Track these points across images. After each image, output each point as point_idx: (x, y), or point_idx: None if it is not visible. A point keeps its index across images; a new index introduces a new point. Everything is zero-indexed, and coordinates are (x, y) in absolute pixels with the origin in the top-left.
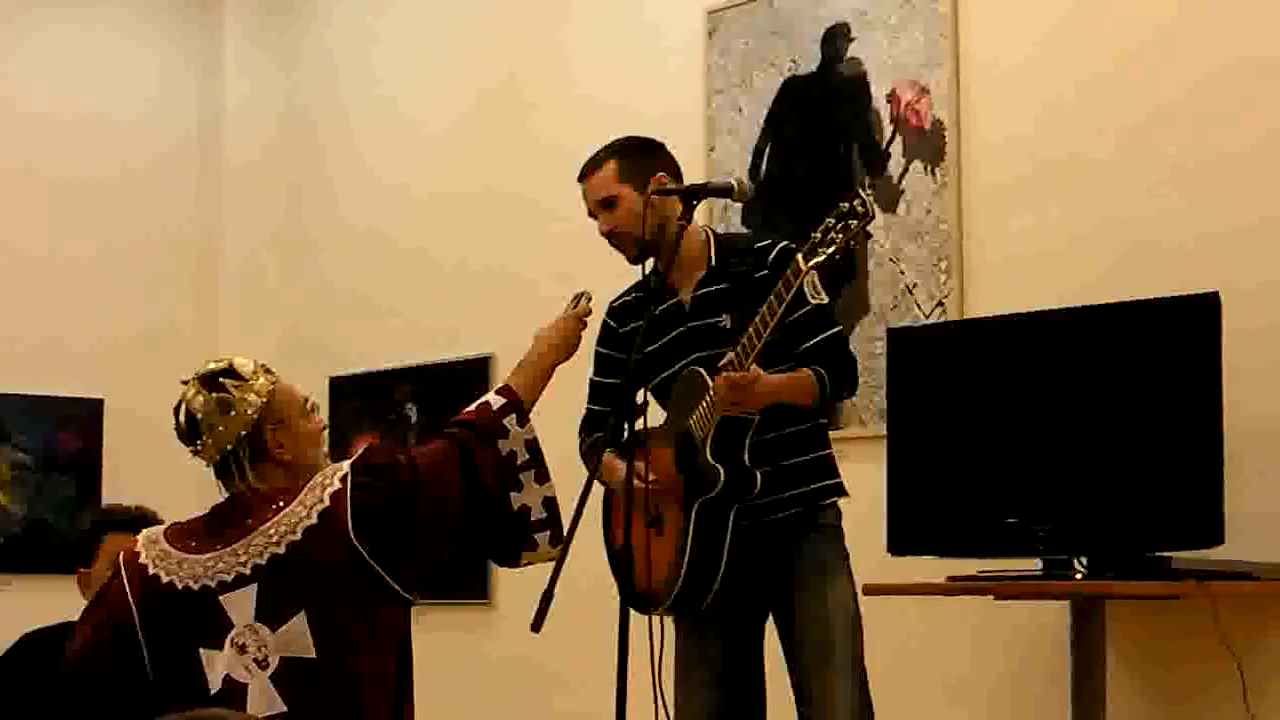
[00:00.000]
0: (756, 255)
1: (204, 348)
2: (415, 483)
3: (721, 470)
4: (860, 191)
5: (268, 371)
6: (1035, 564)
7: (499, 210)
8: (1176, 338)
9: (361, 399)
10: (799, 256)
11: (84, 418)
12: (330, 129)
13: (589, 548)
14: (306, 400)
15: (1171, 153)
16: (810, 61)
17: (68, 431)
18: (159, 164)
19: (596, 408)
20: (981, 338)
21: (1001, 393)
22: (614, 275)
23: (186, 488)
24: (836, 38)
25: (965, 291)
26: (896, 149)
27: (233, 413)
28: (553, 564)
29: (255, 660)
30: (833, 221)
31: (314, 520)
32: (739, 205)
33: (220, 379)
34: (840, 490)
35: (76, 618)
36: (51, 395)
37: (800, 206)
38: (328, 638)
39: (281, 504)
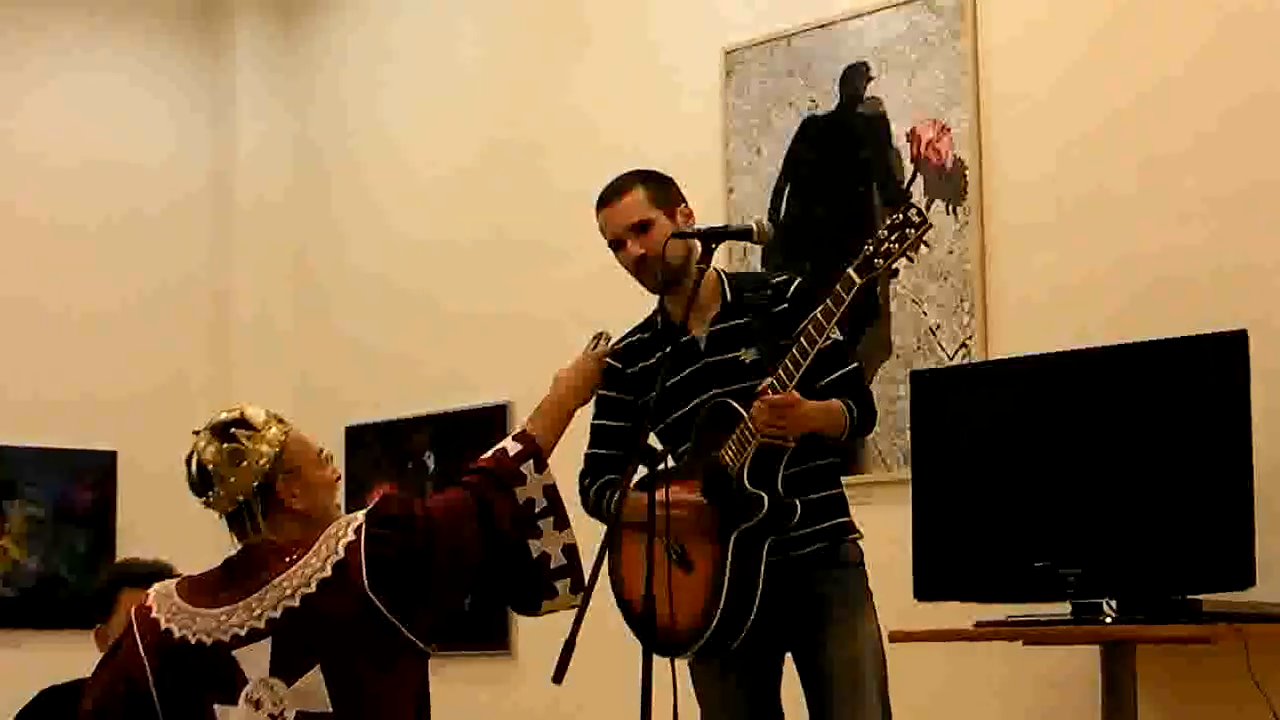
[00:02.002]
0: (774, 289)
1: (217, 399)
2: (431, 533)
3: (766, 498)
4: (914, 202)
5: (280, 421)
6: (1064, 608)
7: (512, 255)
8: (1204, 376)
9: (378, 448)
10: (850, 270)
11: (97, 469)
12: (340, 176)
13: (611, 595)
14: (321, 450)
15: (1196, 187)
16: (829, 101)
17: (81, 484)
18: (171, 212)
19: (601, 452)
20: (1006, 379)
21: (1027, 434)
22: (630, 317)
23: (202, 540)
24: (855, 77)
25: (989, 332)
26: (917, 188)
27: (244, 463)
28: (574, 612)
29: (270, 716)
30: (886, 233)
31: (328, 572)
32: (759, 247)
33: (232, 429)
34: (853, 529)
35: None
36: (64, 448)
37: (821, 247)
38: (344, 691)
39: (296, 556)
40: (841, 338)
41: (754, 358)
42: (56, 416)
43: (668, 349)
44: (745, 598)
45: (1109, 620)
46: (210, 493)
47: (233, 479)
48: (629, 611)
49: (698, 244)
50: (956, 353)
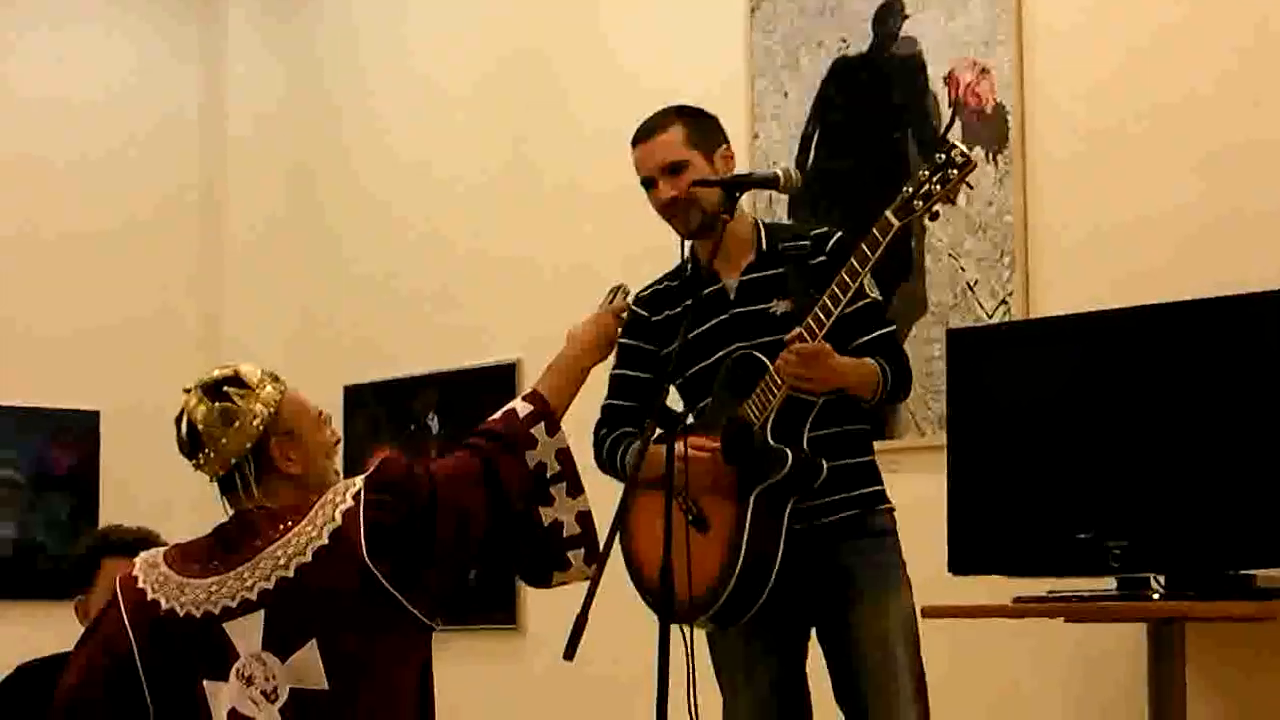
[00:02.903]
0: (814, 241)
1: (210, 355)
2: (434, 498)
3: (790, 453)
4: (951, 139)
5: (276, 379)
6: (1109, 583)
7: (527, 194)
8: (1263, 336)
9: (379, 409)
10: (888, 213)
11: (79, 431)
12: (344, 110)
13: (625, 567)
14: (319, 412)
15: (1256, 131)
16: (861, 41)
17: (61, 446)
18: (156, 149)
19: (619, 403)
20: (1048, 338)
21: (1071, 398)
22: (655, 268)
23: (191, 506)
24: (890, 15)
25: (1030, 289)
26: (955, 135)
27: (237, 424)
28: (587, 585)
29: (263, 693)
30: (927, 173)
31: (325, 540)
32: (785, 197)
33: (224, 387)
34: (886, 498)
35: (72, 648)
36: (44, 407)
37: (851, 198)
38: (341, 668)
39: (290, 523)
40: (880, 298)
41: (785, 310)
42: (36, 375)
43: (693, 298)
44: (764, 561)
45: (1156, 596)
46: (201, 454)
47: (224, 440)
48: (637, 577)
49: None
50: (995, 310)
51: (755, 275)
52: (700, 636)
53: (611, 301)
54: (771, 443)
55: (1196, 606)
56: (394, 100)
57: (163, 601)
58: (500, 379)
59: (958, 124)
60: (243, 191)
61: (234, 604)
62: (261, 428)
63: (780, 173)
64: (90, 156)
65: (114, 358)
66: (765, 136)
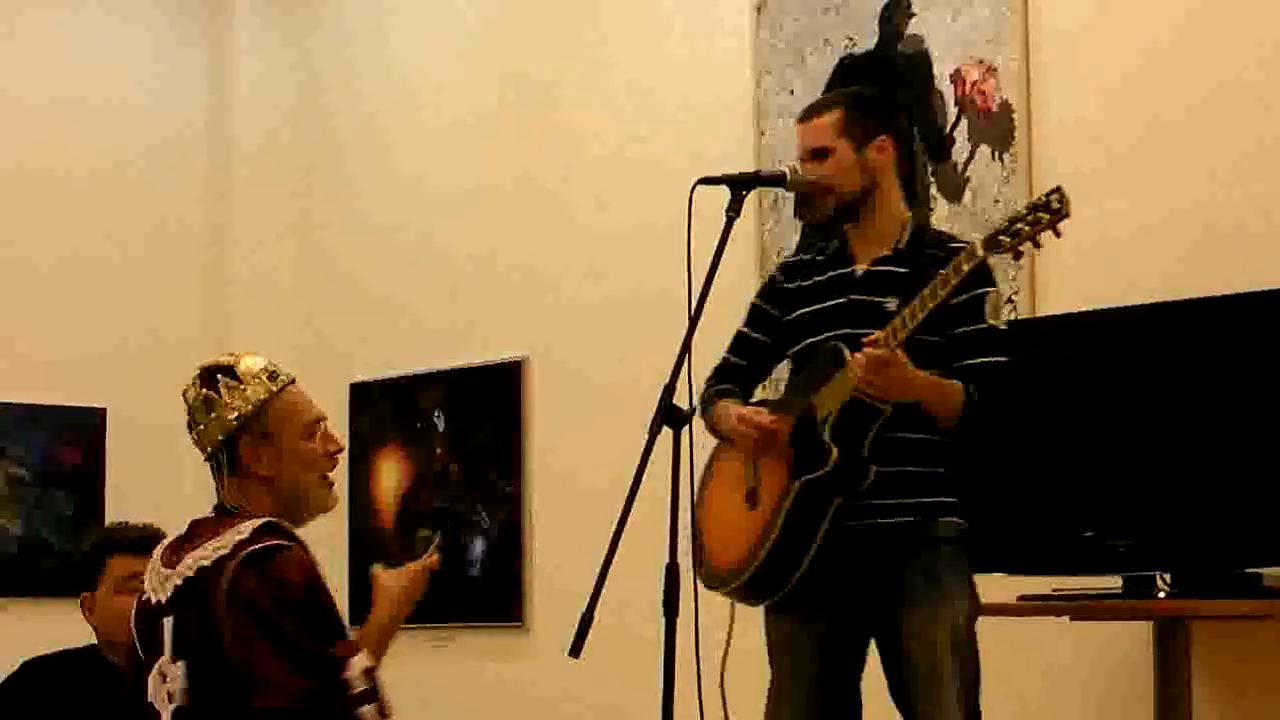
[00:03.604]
0: (948, 252)
1: (213, 354)
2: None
3: (835, 451)
4: (1062, 189)
5: (274, 378)
6: (1115, 582)
7: (529, 202)
8: (1269, 334)
9: (385, 407)
10: (976, 241)
11: (85, 428)
12: (346, 116)
13: (631, 563)
14: (318, 420)
15: (1255, 133)
16: (867, 39)
17: (68, 444)
18: (163, 154)
19: (733, 359)
20: (1054, 336)
21: (1076, 396)
22: (653, 270)
23: (195, 503)
24: (896, 13)
25: (1036, 287)
26: (961, 133)
27: (214, 414)
28: (591, 582)
29: (168, 693)
30: (1024, 212)
31: (209, 562)
32: (791, 195)
33: (217, 375)
34: (959, 512)
35: (78, 644)
36: (50, 405)
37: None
38: (201, 687)
39: (220, 531)
40: (1001, 326)
41: (895, 309)
42: (41, 372)
43: (824, 274)
44: (794, 551)
45: (1162, 595)
46: (192, 433)
47: (202, 427)
48: (695, 541)
49: (883, 176)
50: (1002, 308)
51: (882, 268)
52: (756, 616)
53: (425, 550)
54: (826, 439)
55: (1202, 605)
56: (396, 110)
57: (149, 591)
58: (505, 376)
59: (963, 123)
60: (250, 196)
61: (165, 598)
62: (235, 424)
63: (787, 170)
64: (100, 164)
65: (120, 355)
66: (771, 134)
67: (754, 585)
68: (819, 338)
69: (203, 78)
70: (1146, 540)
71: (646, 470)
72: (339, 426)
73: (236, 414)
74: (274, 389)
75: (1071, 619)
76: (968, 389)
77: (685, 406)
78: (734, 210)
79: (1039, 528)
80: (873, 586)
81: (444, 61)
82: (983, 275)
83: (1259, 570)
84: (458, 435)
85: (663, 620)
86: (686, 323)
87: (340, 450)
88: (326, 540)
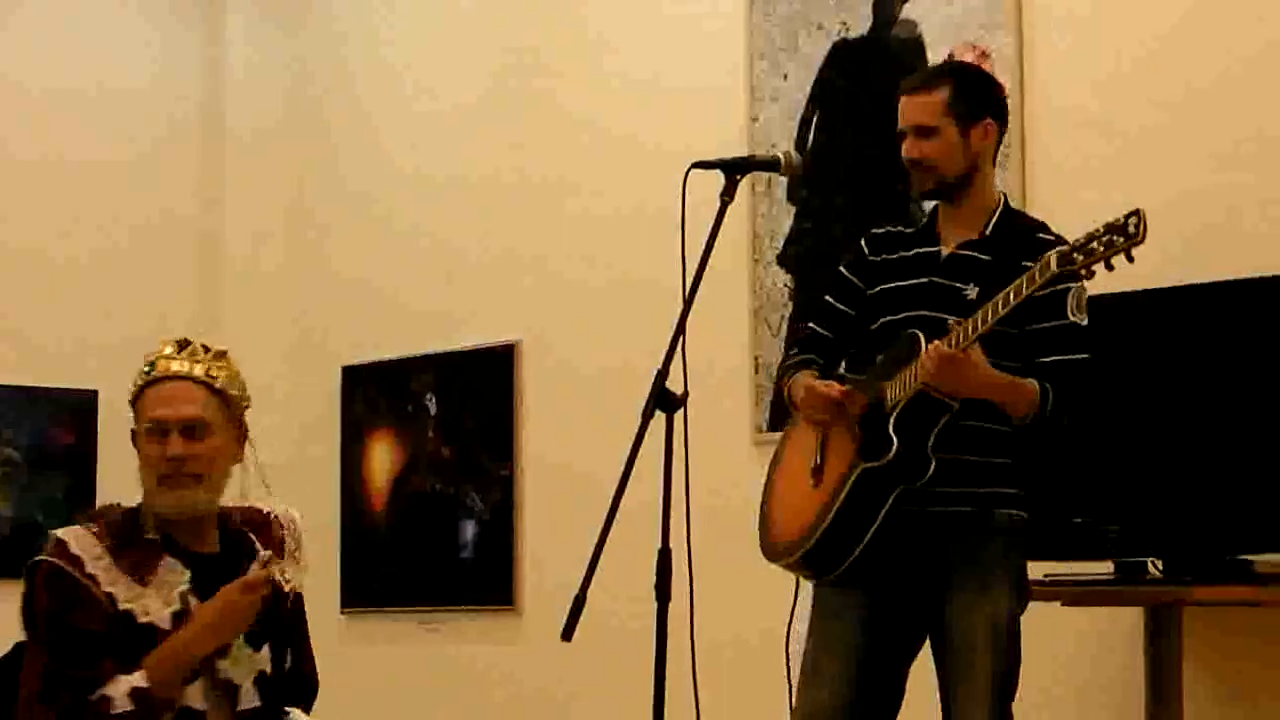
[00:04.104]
0: (1035, 245)
1: (207, 335)
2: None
3: (895, 443)
4: (1141, 212)
5: (150, 368)
6: (1107, 567)
7: (520, 188)
8: (1262, 321)
9: (377, 390)
10: (1051, 255)
11: (77, 411)
12: (338, 104)
13: (624, 548)
14: (162, 422)
15: (1250, 120)
16: (861, 23)
17: (60, 426)
18: (157, 142)
19: (817, 330)
20: None
21: None
22: (644, 256)
23: None
24: None
25: None
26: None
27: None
28: (584, 566)
29: None
30: (1100, 231)
31: None
32: (785, 180)
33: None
34: (1019, 504)
35: None
36: (42, 387)
37: (851, 181)
38: None
39: None
40: (1082, 322)
41: (974, 297)
42: (34, 354)
43: (909, 250)
44: (852, 533)
45: (1154, 581)
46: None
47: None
48: (762, 510)
49: (984, 160)
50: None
51: (967, 253)
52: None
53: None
54: (890, 430)
55: (1194, 591)
56: (388, 97)
57: None
58: (498, 360)
59: None
60: (244, 181)
61: None
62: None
63: (781, 155)
64: (94, 152)
65: (113, 338)
66: (764, 118)
67: (809, 561)
68: (897, 316)
69: (196, 66)
70: (1138, 526)
71: (639, 454)
72: (331, 410)
73: (130, 400)
74: (142, 381)
75: (1063, 604)
76: (1044, 387)
77: (678, 391)
78: (728, 195)
79: (1032, 514)
80: (923, 572)
81: (436, 48)
82: (1062, 271)
83: (1250, 556)
84: (450, 419)
85: (655, 605)
86: (680, 307)
87: (174, 460)
88: (318, 524)
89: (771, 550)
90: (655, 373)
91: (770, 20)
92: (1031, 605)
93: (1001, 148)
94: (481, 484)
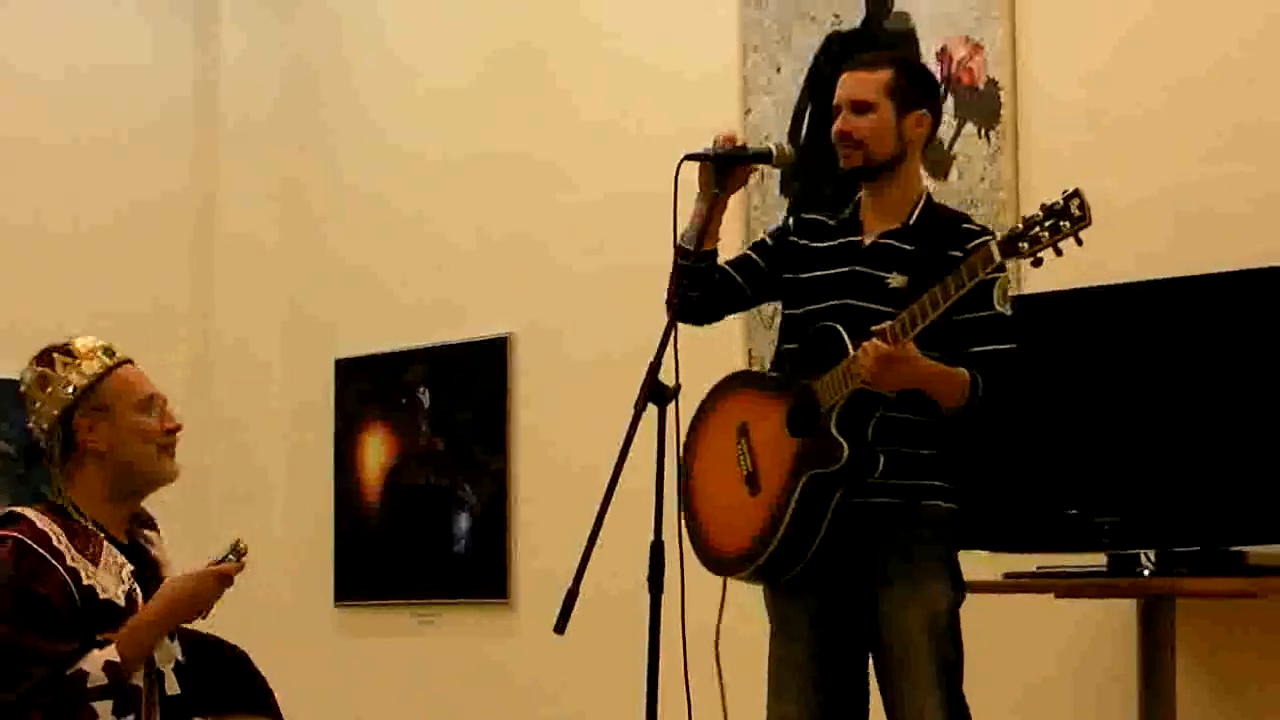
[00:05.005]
0: (959, 236)
1: (199, 327)
2: None
3: (846, 447)
4: (1080, 192)
5: (110, 355)
6: (1099, 559)
7: (516, 176)
8: (1253, 313)
9: (370, 382)
10: (992, 245)
11: None
12: (333, 87)
13: (617, 539)
14: (152, 396)
15: (1243, 112)
16: (854, 15)
17: None
18: (150, 124)
19: (731, 261)
20: (1039, 315)
21: (1060, 374)
22: (641, 245)
23: (178, 481)
24: None
25: (1022, 265)
26: (948, 110)
27: (50, 389)
28: (577, 559)
29: None
30: (1040, 216)
31: None
32: (778, 172)
33: (52, 354)
34: (947, 496)
35: None
36: None
37: (844, 175)
38: None
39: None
40: (1008, 312)
41: (898, 286)
42: (27, 344)
43: (833, 240)
44: (802, 542)
45: (1147, 573)
46: (30, 418)
47: (38, 404)
48: (690, 522)
49: (913, 149)
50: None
51: (889, 242)
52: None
53: (227, 558)
54: (834, 431)
55: (1187, 583)
56: (383, 82)
57: None
58: (491, 353)
59: (950, 100)
60: (237, 167)
61: None
62: (72, 398)
63: (774, 147)
64: (87, 134)
65: (105, 328)
66: (757, 110)
67: (765, 572)
68: (820, 305)
69: (190, 48)
70: (1131, 518)
71: (632, 447)
72: (324, 402)
73: (72, 387)
74: (109, 363)
75: (1056, 596)
76: (974, 376)
77: (670, 384)
78: (719, 186)
79: (1024, 506)
80: (858, 564)
81: (431, 33)
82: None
83: (1243, 548)
84: (443, 411)
85: (648, 597)
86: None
87: (178, 429)
88: (311, 516)
89: (717, 564)
90: (648, 365)
91: (763, 12)
92: (1024, 597)
93: (994, 138)
94: (475, 476)
